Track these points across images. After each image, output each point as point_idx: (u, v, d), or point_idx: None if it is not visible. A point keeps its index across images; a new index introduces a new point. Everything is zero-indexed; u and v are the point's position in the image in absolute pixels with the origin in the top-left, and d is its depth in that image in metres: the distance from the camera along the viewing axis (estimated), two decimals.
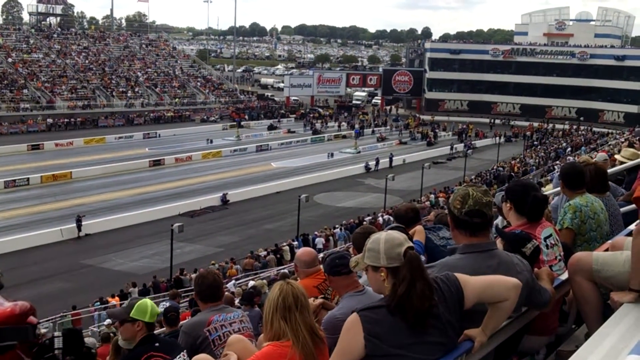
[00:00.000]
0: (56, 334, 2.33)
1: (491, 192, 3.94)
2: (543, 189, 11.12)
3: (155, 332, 5.10)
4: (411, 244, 3.22)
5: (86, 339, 14.13)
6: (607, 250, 4.46)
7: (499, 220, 8.00)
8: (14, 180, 46.86)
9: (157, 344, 4.87)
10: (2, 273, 2.07)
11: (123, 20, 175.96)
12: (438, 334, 3.13)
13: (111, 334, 14.27)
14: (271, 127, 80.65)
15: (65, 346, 2.29)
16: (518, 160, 59.88)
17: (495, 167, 56.76)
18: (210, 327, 5.11)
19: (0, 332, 1.84)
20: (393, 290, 3.10)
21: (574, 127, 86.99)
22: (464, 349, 3.24)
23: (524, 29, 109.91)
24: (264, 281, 20.68)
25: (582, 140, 70.16)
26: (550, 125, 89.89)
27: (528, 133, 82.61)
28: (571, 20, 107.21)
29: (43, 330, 2.06)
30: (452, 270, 3.40)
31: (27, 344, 1.95)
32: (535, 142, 77.02)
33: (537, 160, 58.55)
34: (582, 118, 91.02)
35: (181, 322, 5.86)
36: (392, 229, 4.38)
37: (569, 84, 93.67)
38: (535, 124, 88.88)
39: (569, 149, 62.70)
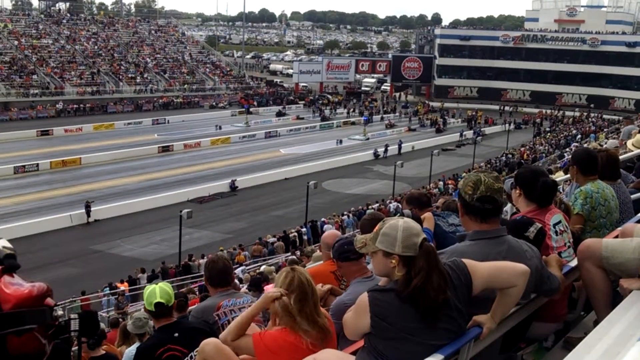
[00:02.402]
0: (72, 315, 2.34)
1: (501, 179, 3.93)
2: (552, 175, 11.08)
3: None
4: (426, 236, 3.21)
5: None
6: (616, 237, 4.45)
7: (508, 207, 7.97)
8: (24, 166, 47.02)
9: (176, 334, 4.83)
10: (15, 251, 2.07)
11: (132, 6, 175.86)
12: (446, 320, 3.13)
13: (120, 319, 14.36)
14: (279, 114, 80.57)
15: (82, 328, 2.30)
16: (527, 147, 59.68)
17: (504, 154, 56.57)
18: (220, 312, 5.13)
19: (20, 315, 1.84)
20: (406, 279, 3.09)
21: (585, 114, 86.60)
22: (472, 335, 3.24)
23: (534, 15, 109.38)
24: (272, 267, 20.74)
25: (592, 127, 69.81)
26: (560, 112, 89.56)
27: (538, 120, 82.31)
28: (582, 6, 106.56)
29: (60, 312, 2.07)
30: (461, 257, 3.39)
31: (44, 325, 1.96)
32: (548, 129, 76.64)
33: (546, 148, 58.34)
34: (592, 105, 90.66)
35: (190, 307, 5.87)
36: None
37: (580, 71, 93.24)
38: (543, 111, 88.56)
39: (579, 136, 62.39)
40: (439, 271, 3.09)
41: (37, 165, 47.77)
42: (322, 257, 5.89)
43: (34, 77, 76.18)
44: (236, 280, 14.17)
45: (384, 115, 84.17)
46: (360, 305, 3.13)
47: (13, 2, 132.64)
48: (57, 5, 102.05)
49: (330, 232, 6.28)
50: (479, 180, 3.69)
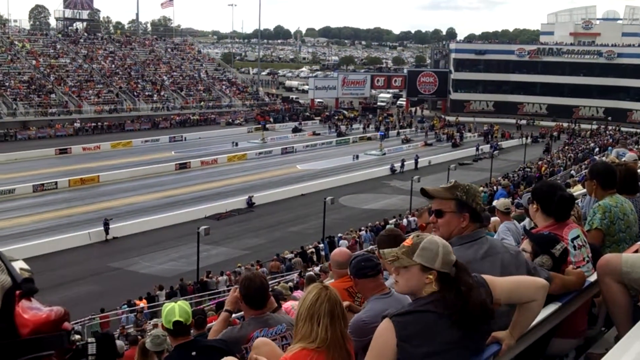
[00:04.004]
0: (90, 339, 2.33)
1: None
2: (570, 189, 11.01)
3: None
4: None
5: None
6: (636, 251, 4.41)
7: (526, 222, 7.92)
8: (43, 185, 47.34)
9: (194, 353, 4.81)
10: (33, 272, 2.07)
11: (148, 25, 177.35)
12: (466, 337, 3.10)
13: (138, 337, 14.37)
14: (295, 130, 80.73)
15: (99, 352, 2.29)
16: (545, 161, 59.35)
17: (521, 168, 56.22)
18: (249, 345, 4.92)
19: (38, 341, 1.83)
20: (445, 296, 3.05)
21: (602, 127, 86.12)
22: (491, 352, 3.21)
23: (550, 29, 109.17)
24: (288, 284, 20.63)
25: (610, 140, 69.30)
26: (577, 125, 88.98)
27: (555, 133, 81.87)
28: (598, 19, 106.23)
29: (77, 337, 2.06)
30: None
31: (62, 350, 1.94)
32: (566, 141, 75.95)
33: (564, 161, 58.00)
34: (610, 118, 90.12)
35: (223, 331, 5.64)
36: None
37: (596, 84, 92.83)
38: (561, 124, 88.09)
39: (597, 149, 61.95)
40: (477, 287, 3.11)
41: (56, 183, 48.09)
42: (332, 275, 5.82)
43: (52, 96, 76.90)
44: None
45: (400, 130, 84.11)
46: (382, 335, 3.05)
47: (31, 22, 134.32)
48: (74, 24, 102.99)
49: (339, 249, 6.24)
50: (478, 191, 3.88)
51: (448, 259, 3.11)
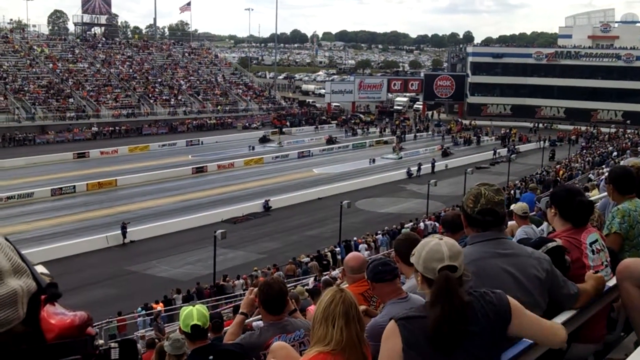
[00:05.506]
0: (112, 344, 2.35)
1: (502, 192, 3.95)
2: (588, 193, 10.94)
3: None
4: (453, 264, 3.08)
5: None
6: None
7: (544, 226, 7.89)
8: (61, 188, 47.64)
9: (211, 357, 4.83)
10: (53, 277, 2.08)
11: (166, 29, 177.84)
12: (478, 350, 3.03)
13: (156, 340, 14.42)
14: (263, 140, 74.94)
15: (122, 357, 2.30)
16: (563, 164, 58.96)
17: (538, 173, 55.92)
18: (267, 351, 4.94)
19: (65, 346, 1.85)
20: (428, 307, 3.05)
21: (621, 130, 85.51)
22: (507, 358, 3.19)
23: (568, 32, 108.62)
24: (303, 288, 20.61)
25: (629, 143, 68.70)
26: (595, 129, 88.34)
27: (573, 137, 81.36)
28: (616, 22, 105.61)
29: (100, 342, 2.07)
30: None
31: (85, 355, 1.96)
32: (584, 145, 75.44)
33: (582, 165, 57.62)
34: (628, 121, 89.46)
35: (242, 336, 5.63)
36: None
37: (615, 87, 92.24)
38: (571, 128, 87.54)
39: (615, 152, 61.45)
40: (450, 303, 2.95)
41: (74, 187, 48.37)
42: (346, 281, 5.80)
43: (71, 100, 77.43)
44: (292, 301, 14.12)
45: (417, 134, 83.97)
46: (389, 338, 3.03)
47: (50, 27, 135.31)
48: (92, 29, 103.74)
49: (353, 254, 6.22)
50: (480, 194, 3.75)
51: (429, 265, 3.08)
